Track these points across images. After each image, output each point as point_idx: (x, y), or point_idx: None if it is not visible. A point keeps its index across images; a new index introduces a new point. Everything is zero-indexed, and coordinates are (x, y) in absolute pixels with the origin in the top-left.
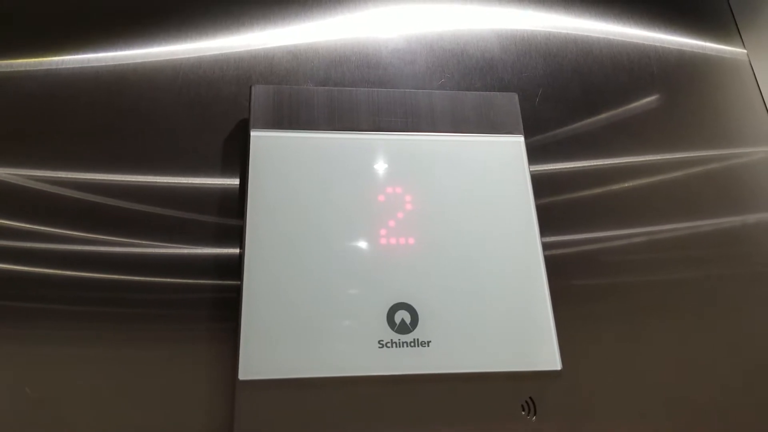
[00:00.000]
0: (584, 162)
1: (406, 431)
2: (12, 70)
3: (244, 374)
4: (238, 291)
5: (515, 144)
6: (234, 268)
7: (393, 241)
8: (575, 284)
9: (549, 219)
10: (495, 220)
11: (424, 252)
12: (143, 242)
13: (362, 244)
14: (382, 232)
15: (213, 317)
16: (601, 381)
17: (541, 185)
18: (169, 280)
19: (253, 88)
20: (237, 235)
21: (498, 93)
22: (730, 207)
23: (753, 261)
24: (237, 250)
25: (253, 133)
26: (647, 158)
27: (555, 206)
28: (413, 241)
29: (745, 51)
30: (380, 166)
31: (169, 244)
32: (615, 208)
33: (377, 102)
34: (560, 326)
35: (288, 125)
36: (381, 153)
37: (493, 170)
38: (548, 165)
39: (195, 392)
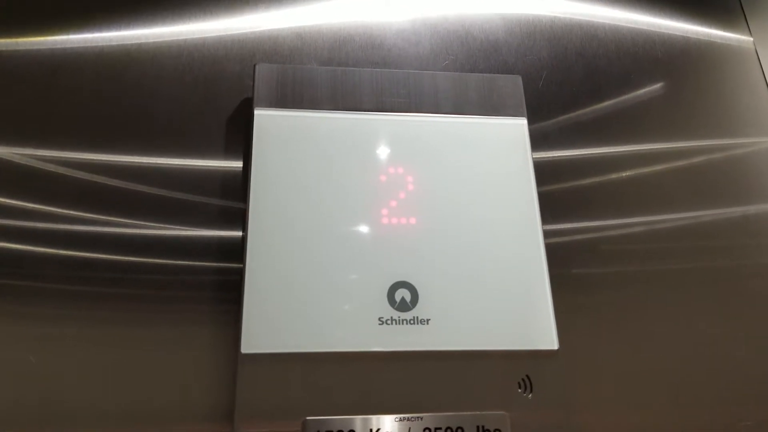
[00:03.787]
0: (585, 150)
1: (404, 406)
2: (16, 48)
3: (246, 347)
4: (240, 272)
5: (518, 126)
6: (236, 250)
7: (394, 220)
8: (574, 272)
9: (548, 207)
10: (496, 201)
11: (426, 232)
12: (145, 223)
13: (364, 224)
14: (384, 211)
15: (215, 299)
16: (597, 364)
17: (542, 173)
18: (171, 261)
19: (257, 66)
20: (239, 217)
21: (502, 75)
22: (731, 198)
23: (753, 252)
24: (239, 233)
25: (257, 112)
26: (649, 147)
27: (555, 194)
28: (414, 221)
29: (751, 39)
30: (382, 147)
31: (172, 226)
32: (615, 197)
33: (381, 82)
34: (559, 313)
35: (291, 104)
36: (383, 133)
37: (495, 152)
38: (549, 152)
39: (197, 372)
